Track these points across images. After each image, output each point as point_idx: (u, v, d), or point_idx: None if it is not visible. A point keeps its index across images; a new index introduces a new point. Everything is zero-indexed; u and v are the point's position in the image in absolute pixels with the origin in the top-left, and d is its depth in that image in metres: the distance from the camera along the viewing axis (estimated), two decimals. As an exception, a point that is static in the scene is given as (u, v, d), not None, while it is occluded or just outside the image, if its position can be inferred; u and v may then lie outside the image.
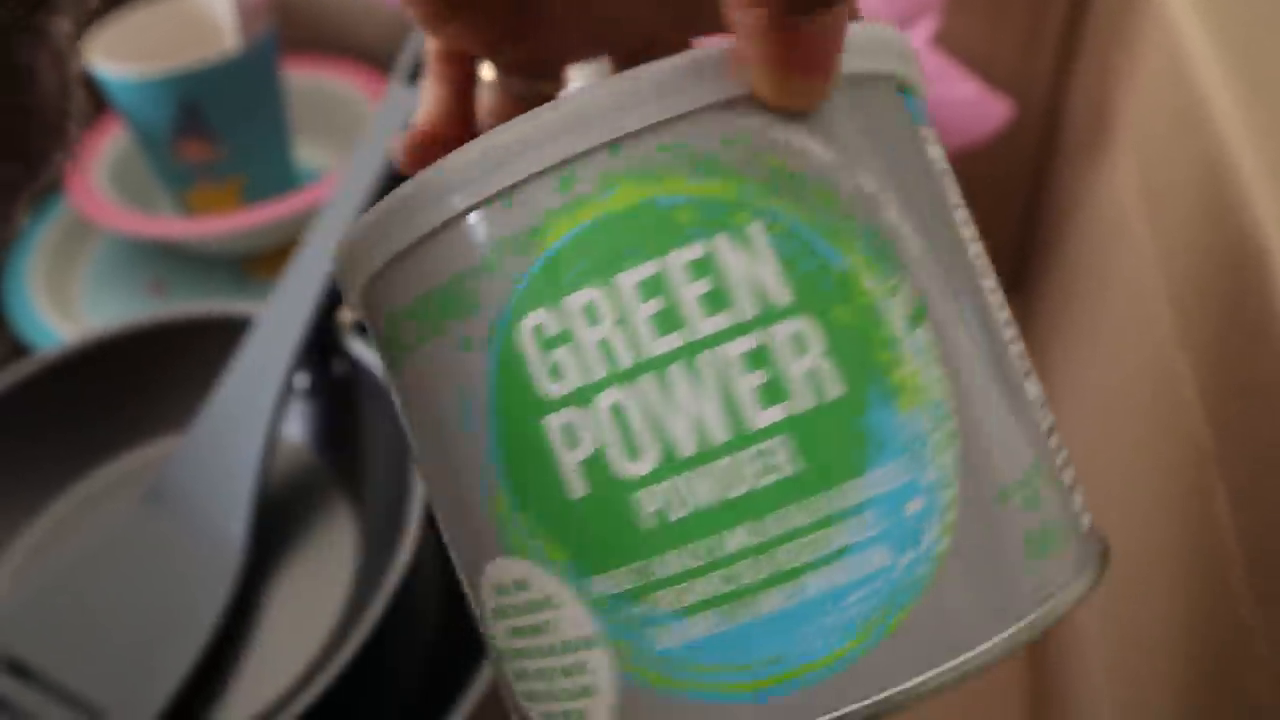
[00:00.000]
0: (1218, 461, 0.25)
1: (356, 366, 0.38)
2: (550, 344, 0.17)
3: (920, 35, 0.40)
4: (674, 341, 0.16)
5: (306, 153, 0.55)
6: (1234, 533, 0.24)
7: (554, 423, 0.17)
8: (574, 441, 0.17)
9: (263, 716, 0.31)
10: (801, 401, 0.16)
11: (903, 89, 0.19)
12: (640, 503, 0.17)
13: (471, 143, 0.17)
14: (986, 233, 0.51)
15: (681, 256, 0.17)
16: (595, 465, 0.17)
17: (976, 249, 0.19)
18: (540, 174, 0.17)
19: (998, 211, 0.51)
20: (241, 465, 0.37)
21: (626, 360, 0.17)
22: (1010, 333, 0.19)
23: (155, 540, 0.36)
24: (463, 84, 0.25)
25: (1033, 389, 0.19)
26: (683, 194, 0.17)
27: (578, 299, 0.17)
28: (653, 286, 0.17)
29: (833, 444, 0.16)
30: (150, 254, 0.53)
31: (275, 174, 0.51)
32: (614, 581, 0.17)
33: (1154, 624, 0.28)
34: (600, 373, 0.17)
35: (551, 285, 0.17)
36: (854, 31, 0.18)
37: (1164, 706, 0.27)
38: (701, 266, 0.16)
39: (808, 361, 0.17)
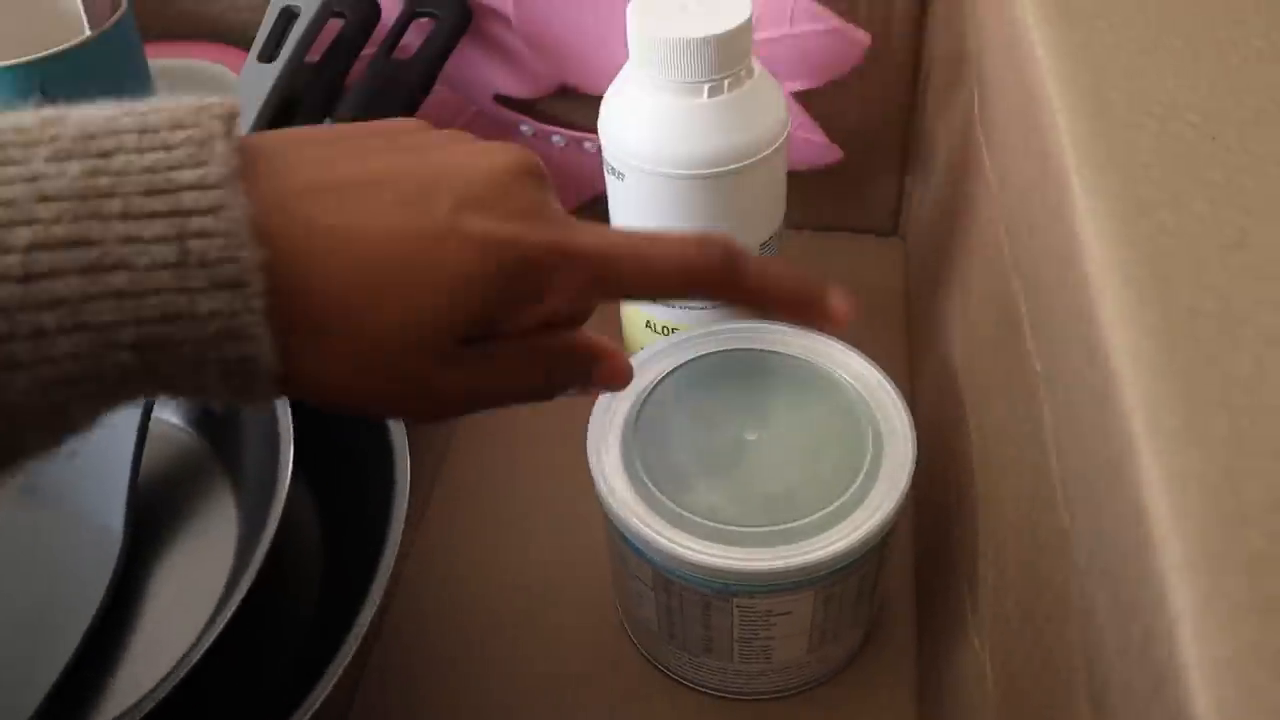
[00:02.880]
0: (1044, 381, 0.26)
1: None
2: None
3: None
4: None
5: (183, 139, 0.54)
6: (1054, 448, 0.25)
7: None
8: None
9: (138, 703, 0.31)
10: None
11: None
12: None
13: None
14: (866, 179, 0.52)
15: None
16: None
17: None
18: None
19: (875, 156, 0.52)
20: (117, 453, 0.36)
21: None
22: None
23: (32, 534, 0.36)
24: None
25: None
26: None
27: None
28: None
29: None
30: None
31: (148, 162, 0.50)
32: None
33: (1006, 535, 0.29)
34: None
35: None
36: None
37: (1014, 615, 0.28)
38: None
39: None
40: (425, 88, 0.45)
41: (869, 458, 0.33)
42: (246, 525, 0.37)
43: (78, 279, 0.18)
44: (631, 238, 0.25)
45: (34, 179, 0.18)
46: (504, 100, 0.51)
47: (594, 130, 0.52)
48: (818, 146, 0.46)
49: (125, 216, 0.18)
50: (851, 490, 0.32)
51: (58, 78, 0.44)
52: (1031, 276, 0.28)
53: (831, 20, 0.41)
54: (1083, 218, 0.23)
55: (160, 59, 0.52)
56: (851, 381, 0.35)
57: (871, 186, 0.53)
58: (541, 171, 0.25)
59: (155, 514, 0.38)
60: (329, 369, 0.21)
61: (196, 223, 0.19)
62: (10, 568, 0.35)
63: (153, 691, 0.28)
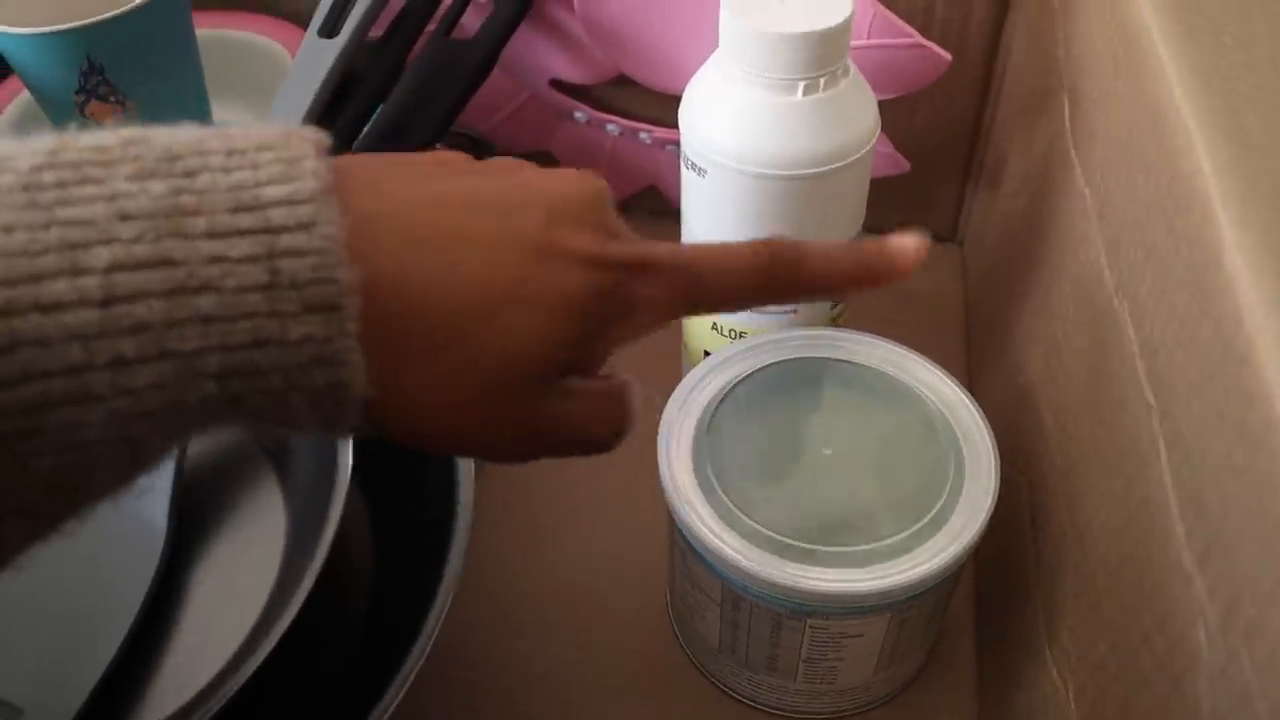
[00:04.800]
0: (1159, 414, 0.25)
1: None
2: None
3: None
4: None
5: (226, 111, 0.52)
6: (1174, 487, 0.24)
7: None
8: None
9: (189, 706, 0.30)
10: None
11: None
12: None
13: None
14: (927, 185, 0.51)
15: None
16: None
17: None
18: None
19: (938, 162, 0.50)
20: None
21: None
22: None
23: (72, 530, 0.35)
24: None
25: None
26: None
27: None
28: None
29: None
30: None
31: (191, 134, 0.49)
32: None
33: (1098, 570, 0.28)
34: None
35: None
36: None
37: (1110, 655, 0.27)
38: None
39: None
40: (485, 69, 0.43)
41: (951, 477, 0.32)
42: (295, 517, 0.36)
43: (161, 302, 0.17)
44: (706, 248, 0.25)
45: (114, 198, 0.17)
46: (559, 86, 0.50)
47: (650, 120, 0.50)
48: (885, 157, 0.45)
49: (211, 235, 0.17)
50: (933, 512, 0.31)
51: (105, 45, 0.43)
52: (1146, 304, 0.27)
53: (912, 36, 0.40)
54: (1231, 252, 0.22)
55: (207, 29, 0.51)
56: (930, 396, 0.34)
57: (932, 192, 0.52)
58: (609, 196, 0.24)
59: (198, 504, 0.36)
60: (423, 396, 0.20)
61: (286, 240, 0.17)
62: (50, 565, 0.33)
63: (194, 706, 0.27)
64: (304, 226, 0.18)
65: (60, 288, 0.16)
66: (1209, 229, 0.23)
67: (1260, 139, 0.24)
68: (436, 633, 0.29)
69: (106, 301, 0.16)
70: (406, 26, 0.43)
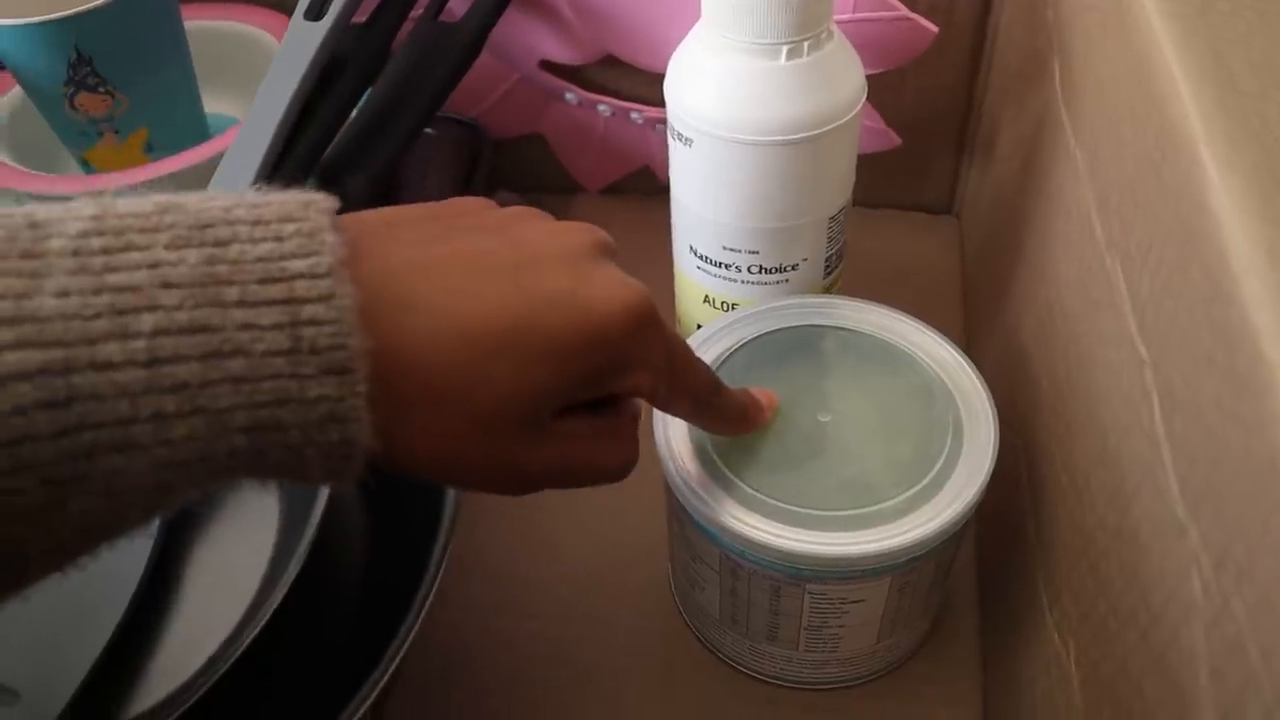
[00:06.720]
0: (1151, 367, 0.25)
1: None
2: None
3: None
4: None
5: (217, 102, 0.52)
6: (1168, 439, 0.23)
7: None
8: None
9: (187, 685, 0.30)
10: None
11: None
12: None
13: None
14: (922, 157, 0.51)
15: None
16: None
17: None
18: None
19: (932, 134, 0.50)
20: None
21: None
22: None
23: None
24: None
25: None
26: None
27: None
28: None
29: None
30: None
31: (182, 125, 0.49)
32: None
33: (1096, 530, 0.28)
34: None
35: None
36: None
37: (1109, 614, 0.27)
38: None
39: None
40: (474, 52, 0.43)
41: (949, 441, 0.32)
42: (287, 498, 0.36)
43: (198, 364, 0.19)
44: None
45: (156, 265, 0.19)
46: (549, 67, 0.50)
47: (641, 100, 0.50)
48: (875, 133, 0.45)
49: (242, 304, 0.19)
50: (931, 474, 0.31)
51: (93, 35, 0.43)
52: (1136, 257, 0.26)
53: (898, 9, 0.39)
54: (1217, 194, 0.21)
55: (195, 20, 0.51)
56: (927, 359, 0.34)
57: (927, 166, 0.51)
58: (614, 248, 0.26)
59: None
60: (426, 447, 0.22)
61: (309, 310, 0.19)
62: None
63: (192, 684, 0.27)
64: (323, 299, 0.19)
65: (111, 349, 0.18)
66: (1196, 173, 0.22)
67: (1248, 84, 0.24)
68: (430, 601, 0.29)
69: (151, 363, 0.18)
70: (392, 9, 0.42)
